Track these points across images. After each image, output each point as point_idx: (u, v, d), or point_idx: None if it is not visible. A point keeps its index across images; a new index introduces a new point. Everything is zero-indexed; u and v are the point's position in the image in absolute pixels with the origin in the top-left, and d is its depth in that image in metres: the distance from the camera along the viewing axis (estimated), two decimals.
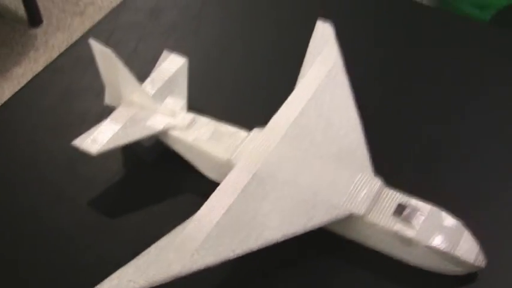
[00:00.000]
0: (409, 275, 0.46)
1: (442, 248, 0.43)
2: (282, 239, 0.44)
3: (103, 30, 0.67)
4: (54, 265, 0.49)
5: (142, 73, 0.58)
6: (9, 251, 0.50)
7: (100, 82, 0.61)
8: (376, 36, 0.65)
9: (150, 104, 0.53)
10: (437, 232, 0.44)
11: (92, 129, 0.52)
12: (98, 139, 0.51)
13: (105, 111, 0.58)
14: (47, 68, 0.64)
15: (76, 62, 0.64)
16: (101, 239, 0.50)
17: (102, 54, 0.52)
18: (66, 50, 0.66)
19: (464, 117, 0.56)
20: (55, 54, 1.42)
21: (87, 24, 1.60)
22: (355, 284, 0.46)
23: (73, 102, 0.60)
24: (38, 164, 0.55)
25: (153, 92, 0.55)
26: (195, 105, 0.55)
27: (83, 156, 0.55)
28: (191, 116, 0.53)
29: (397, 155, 0.53)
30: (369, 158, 0.48)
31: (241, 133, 0.52)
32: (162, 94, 0.55)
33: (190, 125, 0.52)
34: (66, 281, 0.47)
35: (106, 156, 0.53)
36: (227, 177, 0.48)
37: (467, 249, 0.43)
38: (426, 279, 0.45)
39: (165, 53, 0.58)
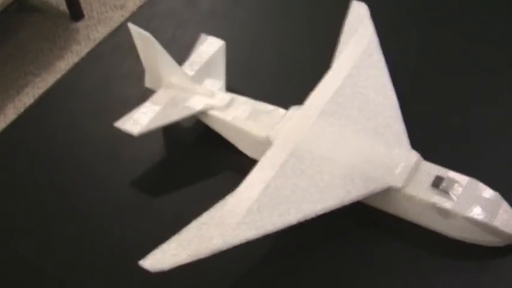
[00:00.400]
0: (447, 247, 0.46)
1: (480, 219, 0.43)
2: (321, 213, 0.45)
3: (141, 18, 0.69)
4: (98, 243, 0.50)
5: (180, 58, 0.59)
6: (53, 231, 0.52)
7: (140, 67, 0.63)
8: (412, 15, 0.65)
9: (189, 85, 0.55)
10: (475, 203, 0.44)
11: (133, 111, 0.54)
12: (139, 120, 0.53)
13: (146, 95, 0.59)
14: (87, 56, 0.66)
15: (115, 49, 0.66)
16: (143, 218, 0.51)
17: (141, 38, 0.53)
18: (106, 38, 0.68)
19: (499, 96, 0.56)
20: None
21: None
22: (393, 257, 0.46)
23: (114, 87, 0.62)
24: (80, 147, 0.57)
25: (191, 74, 0.56)
26: (233, 87, 0.56)
27: (124, 138, 0.56)
28: (229, 96, 0.54)
29: (433, 131, 0.53)
30: (405, 133, 0.48)
31: (279, 111, 0.52)
32: (200, 76, 0.56)
33: (229, 104, 0.53)
34: (109, 258, 0.49)
35: (147, 137, 0.54)
36: (266, 154, 0.49)
37: (506, 219, 0.43)
38: (464, 250, 0.45)
39: (202, 36, 0.59)
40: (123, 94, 0.61)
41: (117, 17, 1.71)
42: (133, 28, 0.53)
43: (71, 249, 0.51)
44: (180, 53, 0.62)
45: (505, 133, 0.52)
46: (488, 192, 0.44)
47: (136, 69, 0.63)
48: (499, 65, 0.58)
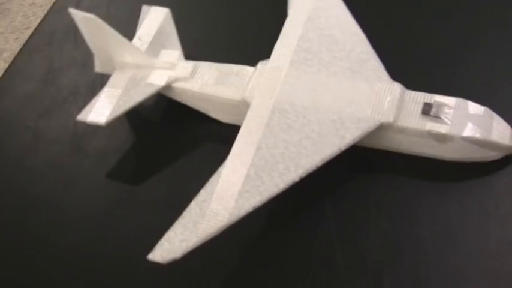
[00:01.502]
0: (447, 170, 0.46)
1: (478, 136, 0.43)
2: (321, 163, 0.43)
3: (68, 1, 0.64)
4: (91, 247, 0.47)
5: (124, 35, 0.55)
6: (33, 242, 0.48)
7: (82, 52, 0.59)
8: None
9: (146, 61, 0.51)
10: (469, 122, 0.44)
11: (93, 101, 0.50)
12: (103, 108, 0.49)
13: (96, 81, 0.56)
14: (22, 50, 0.61)
15: (51, 37, 0.61)
16: (131, 209, 0.48)
17: (85, 21, 0.49)
18: (37, 28, 0.63)
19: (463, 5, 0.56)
20: None
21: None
22: (397, 190, 0.45)
23: (59, 79, 0.58)
24: (42, 150, 0.53)
25: (144, 48, 0.53)
26: (191, 54, 0.53)
27: (86, 131, 0.53)
28: (191, 64, 0.51)
29: (405, 60, 0.52)
30: (382, 65, 0.47)
31: (247, 69, 0.50)
32: (154, 49, 0.53)
33: (193, 73, 0.51)
34: (110, 257, 0.46)
35: (109, 125, 0.50)
36: (247, 116, 0.47)
37: (502, 131, 0.44)
38: (463, 170, 0.45)
39: (144, 8, 0.56)
40: (72, 84, 0.57)
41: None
42: (75, 13, 0.49)
43: (52, 259, 0.47)
44: (120, 29, 0.58)
45: (473, 48, 0.52)
46: (478, 109, 0.44)
47: (79, 55, 0.59)
48: None
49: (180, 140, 0.52)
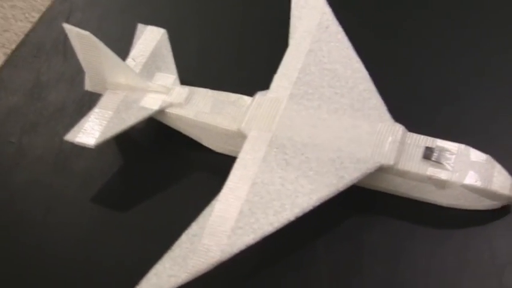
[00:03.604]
0: (442, 216, 0.45)
1: (478, 185, 0.42)
2: (317, 204, 0.42)
3: (58, 12, 0.62)
4: (71, 273, 0.45)
5: (116, 53, 0.54)
6: (10, 265, 0.46)
7: (71, 68, 0.57)
8: None
9: (139, 83, 0.49)
10: (470, 169, 0.43)
11: (82, 121, 0.48)
12: (92, 130, 0.47)
13: (85, 99, 0.54)
14: (6, 63, 0.59)
15: (38, 50, 0.59)
16: (116, 236, 0.46)
17: (79, 38, 0.48)
18: (24, 40, 0.60)
19: (473, 53, 0.55)
20: None
21: None
22: (392, 234, 0.44)
23: (46, 94, 0.55)
24: (24, 167, 0.51)
25: (138, 69, 0.51)
26: (186, 78, 0.52)
27: (72, 151, 0.51)
28: (186, 89, 0.49)
29: (407, 101, 0.51)
30: (384, 105, 0.46)
31: (244, 99, 0.49)
32: (148, 71, 0.51)
33: (188, 99, 0.49)
34: (91, 285, 0.44)
35: (97, 147, 0.48)
36: (243, 149, 0.45)
37: (502, 181, 0.43)
38: (461, 217, 0.44)
39: (140, 27, 0.54)
40: (59, 100, 0.55)
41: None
42: (69, 28, 0.47)
43: (29, 283, 0.45)
44: (111, 46, 0.56)
45: (478, 92, 0.51)
46: (480, 156, 0.43)
47: (67, 70, 0.57)
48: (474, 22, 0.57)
49: (169, 167, 0.50)
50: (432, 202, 0.45)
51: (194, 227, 0.42)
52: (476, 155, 0.44)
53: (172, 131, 0.50)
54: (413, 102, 0.51)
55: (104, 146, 0.48)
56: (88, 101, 0.54)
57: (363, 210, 0.46)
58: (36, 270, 0.46)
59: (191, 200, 0.47)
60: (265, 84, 0.49)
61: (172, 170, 0.50)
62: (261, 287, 0.43)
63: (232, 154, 0.47)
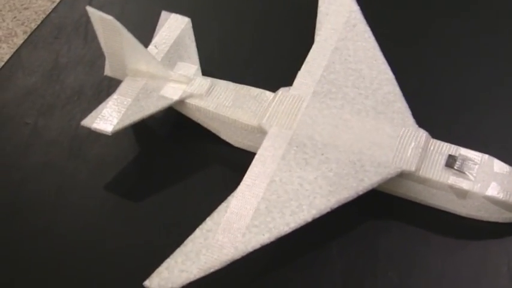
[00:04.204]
0: (463, 226, 0.44)
1: (500, 197, 0.41)
2: (336, 206, 0.41)
3: None
4: (79, 261, 0.44)
5: (138, 39, 0.53)
6: (19, 248, 0.45)
7: (91, 51, 0.56)
8: None
9: (160, 72, 0.49)
10: (493, 181, 0.42)
11: (100, 107, 0.48)
12: (110, 116, 0.47)
13: (104, 84, 0.54)
14: (26, 43, 0.58)
15: (59, 31, 0.58)
16: (128, 226, 0.46)
17: (102, 22, 0.47)
18: (45, 20, 0.59)
19: (499, 60, 0.53)
20: None
21: None
22: (409, 240, 0.43)
23: (64, 76, 0.55)
24: (39, 150, 0.50)
25: (160, 57, 0.50)
26: (208, 69, 0.51)
27: (87, 136, 0.50)
28: (208, 80, 0.49)
29: (431, 106, 0.50)
30: (408, 109, 0.45)
31: (266, 94, 0.48)
32: (170, 60, 0.50)
33: (209, 90, 0.48)
34: (99, 276, 0.44)
35: (115, 134, 0.47)
36: (263, 145, 0.44)
37: None
38: (480, 229, 0.43)
39: (164, 14, 0.53)
40: (78, 83, 0.54)
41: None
42: (92, 12, 0.46)
43: (37, 266, 0.44)
44: (135, 32, 0.55)
45: (508, 102, 0.50)
46: (503, 168, 0.42)
47: (86, 54, 0.56)
48: (499, 30, 0.55)
49: (185, 159, 0.49)
50: (452, 211, 0.44)
51: (209, 223, 0.41)
52: (499, 166, 0.43)
53: (191, 123, 0.50)
54: (437, 109, 0.50)
55: (120, 134, 0.48)
56: (107, 86, 0.53)
57: (380, 214, 0.45)
58: (43, 252, 0.45)
59: (206, 194, 0.47)
60: (288, 80, 0.48)
61: (188, 162, 0.49)
62: (272, 285, 0.42)
63: (251, 150, 0.47)
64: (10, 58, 0.56)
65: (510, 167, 0.43)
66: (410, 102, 0.46)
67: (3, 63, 0.57)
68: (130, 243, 0.45)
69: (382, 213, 0.45)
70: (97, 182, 0.48)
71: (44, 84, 0.54)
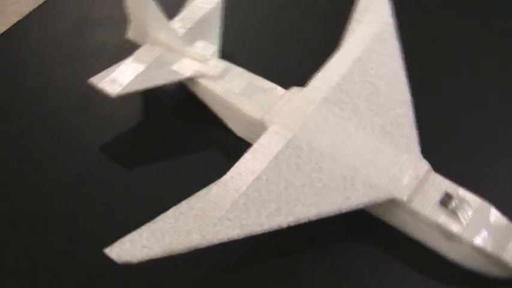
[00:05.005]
0: (444, 270, 0.42)
1: (489, 249, 0.39)
2: (315, 218, 0.40)
3: None
4: (59, 213, 0.45)
5: (166, 12, 0.52)
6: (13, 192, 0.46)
7: (121, 12, 0.56)
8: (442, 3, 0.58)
9: (178, 45, 0.48)
10: (485, 230, 0.39)
11: (112, 67, 0.47)
12: (118, 79, 0.46)
13: (126, 46, 0.53)
14: None
15: None
16: (112, 189, 0.46)
17: None
18: None
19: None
20: None
21: None
22: (385, 272, 0.41)
23: (89, 32, 0.55)
24: (49, 97, 0.51)
25: (182, 32, 0.49)
26: (228, 53, 0.50)
27: (97, 95, 0.50)
28: (224, 64, 0.48)
29: (444, 137, 0.47)
30: (417, 136, 0.43)
31: (277, 90, 0.47)
32: (192, 36, 0.50)
33: (222, 74, 0.47)
34: (70, 232, 0.43)
35: (123, 97, 0.47)
36: (259, 140, 0.43)
37: None
38: (464, 277, 0.41)
39: None
40: (101, 40, 0.54)
41: None
42: None
43: (27, 213, 0.45)
44: (163, 2, 0.55)
45: None
46: (500, 220, 0.40)
47: (116, 14, 0.56)
48: None
49: (186, 138, 0.48)
50: (437, 252, 0.42)
51: (184, 205, 0.40)
52: (496, 217, 0.40)
53: (200, 103, 0.49)
54: (449, 141, 0.47)
55: (128, 99, 0.48)
56: (129, 49, 0.53)
57: (366, 238, 0.43)
58: (34, 193, 0.46)
59: (197, 176, 0.45)
60: (305, 81, 0.47)
61: (187, 142, 0.48)
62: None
63: (251, 142, 0.45)
64: (43, 3, 0.56)
65: (508, 220, 0.40)
66: (423, 128, 0.44)
67: (36, 6, 0.57)
68: (111, 208, 0.45)
69: (368, 237, 0.43)
70: (94, 140, 0.48)
71: (69, 35, 0.54)
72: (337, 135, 0.43)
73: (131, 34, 0.50)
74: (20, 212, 0.45)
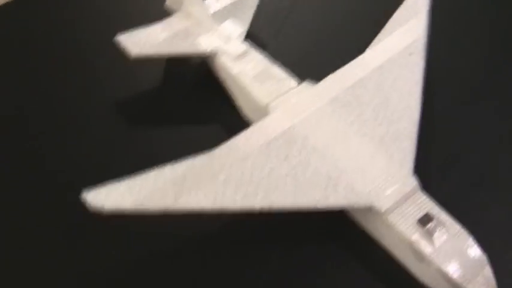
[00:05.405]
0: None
1: (455, 277, 0.38)
2: (289, 210, 0.40)
3: None
4: (61, 156, 0.47)
5: None
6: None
7: None
8: (480, 23, 0.57)
9: (207, 21, 0.49)
10: (456, 258, 0.38)
11: (140, 29, 0.49)
12: (141, 41, 0.48)
13: (165, 14, 0.55)
14: None
15: None
16: (113, 145, 0.47)
17: None
18: None
19: None
20: None
21: None
22: (356, 280, 0.41)
23: None
24: (79, 44, 0.53)
25: (215, 10, 0.51)
26: (253, 38, 0.51)
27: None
28: (244, 46, 0.48)
29: (442, 159, 0.47)
30: (413, 152, 0.43)
31: (290, 82, 0.47)
32: (223, 15, 0.51)
33: (241, 56, 0.48)
34: (69, 176, 0.46)
35: (150, 61, 0.49)
36: (257, 124, 0.44)
37: (483, 286, 0.38)
38: None
39: None
40: (143, 4, 0.56)
41: None
42: None
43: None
44: None
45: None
46: (474, 251, 0.39)
47: None
48: None
49: (195, 110, 0.50)
50: (407, 269, 0.41)
51: (166, 169, 0.41)
52: (471, 247, 0.39)
53: (217, 82, 0.50)
54: (447, 163, 0.46)
55: (151, 63, 0.49)
56: (168, 16, 0.54)
57: (345, 244, 0.42)
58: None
59: (196, 146, 0.46)
60: (321, 78, 0.47)
61: (197, 115, 0.49)
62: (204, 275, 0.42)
63: None
64: None
65: (482, 255, 0.39)
66: (428, 148, 0.43)
67: None
68: (109, 165, 0.46)
69: (347, 244, 0.43)
70: (108, 97, 0.50)
71: None
72: (334, 136, 0.43)
73: (169, 2, 0.52)
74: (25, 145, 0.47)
